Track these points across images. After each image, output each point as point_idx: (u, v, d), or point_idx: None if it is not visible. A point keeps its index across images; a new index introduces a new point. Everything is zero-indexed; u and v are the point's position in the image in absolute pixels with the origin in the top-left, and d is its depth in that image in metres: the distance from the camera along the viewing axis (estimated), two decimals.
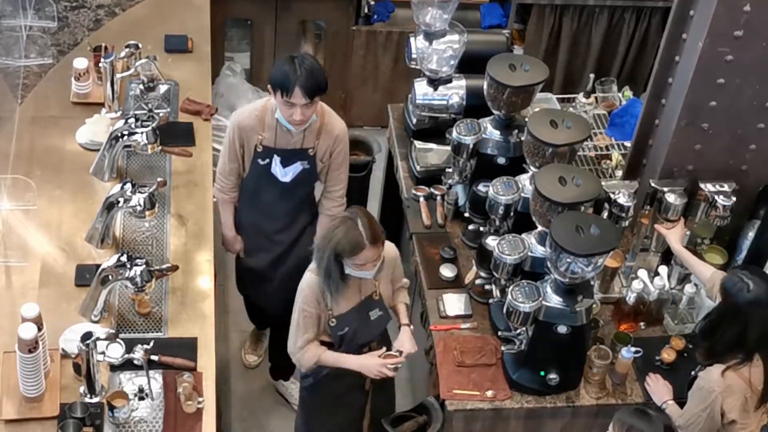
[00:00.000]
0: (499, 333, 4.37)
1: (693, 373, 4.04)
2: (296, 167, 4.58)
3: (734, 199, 4.52)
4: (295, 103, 4.33)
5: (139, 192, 4.30)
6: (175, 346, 4.11)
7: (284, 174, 4.59)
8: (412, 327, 4.36)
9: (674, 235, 4.43)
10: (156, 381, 3.96)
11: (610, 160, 5.25)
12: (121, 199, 4.31)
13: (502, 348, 4.32)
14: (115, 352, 3.89)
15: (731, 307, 3.88)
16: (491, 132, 4.67)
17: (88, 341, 3.77)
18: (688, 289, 4.49)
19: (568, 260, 3.90)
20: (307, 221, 4.82)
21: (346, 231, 3.93)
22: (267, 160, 4.56)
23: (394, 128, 5.43)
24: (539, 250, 4.20)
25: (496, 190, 4.40)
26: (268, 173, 4.60)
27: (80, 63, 5.02)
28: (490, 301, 4.51)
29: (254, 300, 5.21)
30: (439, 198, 5.00)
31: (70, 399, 3.85)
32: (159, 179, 4.49)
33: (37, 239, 4.47)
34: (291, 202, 4.71)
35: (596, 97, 5.59)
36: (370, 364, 4.21)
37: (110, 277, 4.05)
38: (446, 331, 4.50)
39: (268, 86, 4.40)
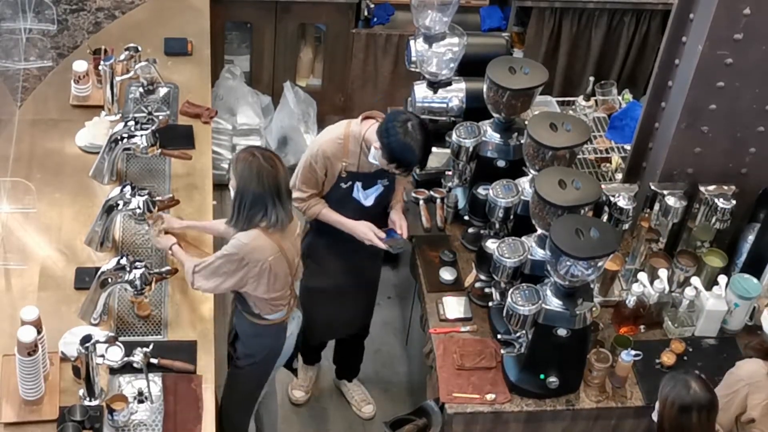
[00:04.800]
0: (499, 336, 4.36)
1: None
2: (377, 188, 4.55)
3: (734, 202, 4.52)
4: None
5: (139, 195, 4.30)
6: (174, 349, 4.11)
7: (366, 197, 4.56)
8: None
9: None
10: (155, 384, 3.96)
11: (610, 163, 5.25)
12: (121, 202, 4.31)
13: (502, 351, 4.32)
14: (115, 355, 3.89)
15: None
16: (491, 135, 4.67)
17: (87, 344, 3.77)
18: (688, 292, 4.48)
19: (568, 263, 3.90)
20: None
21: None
22: (349, 183, 4.53)
23: None
24: (539, 253, 4.20)
25: (495, 193, 4.40)
26: (349, 197, 4.55)
27: (80, 66, 5.02)
28: (490, 304, 4.50)
29: (320, 319, 4.92)
30: (438, 201, 4.98)
31: (69, 402, 3.85)
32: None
33: (37, 242, 4.46)
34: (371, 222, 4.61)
35: (596, 100, 5.60)
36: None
37: (110, 280, 4.05)
38: (446, 334, 4.50)
39: (377, 144, 4.29)
